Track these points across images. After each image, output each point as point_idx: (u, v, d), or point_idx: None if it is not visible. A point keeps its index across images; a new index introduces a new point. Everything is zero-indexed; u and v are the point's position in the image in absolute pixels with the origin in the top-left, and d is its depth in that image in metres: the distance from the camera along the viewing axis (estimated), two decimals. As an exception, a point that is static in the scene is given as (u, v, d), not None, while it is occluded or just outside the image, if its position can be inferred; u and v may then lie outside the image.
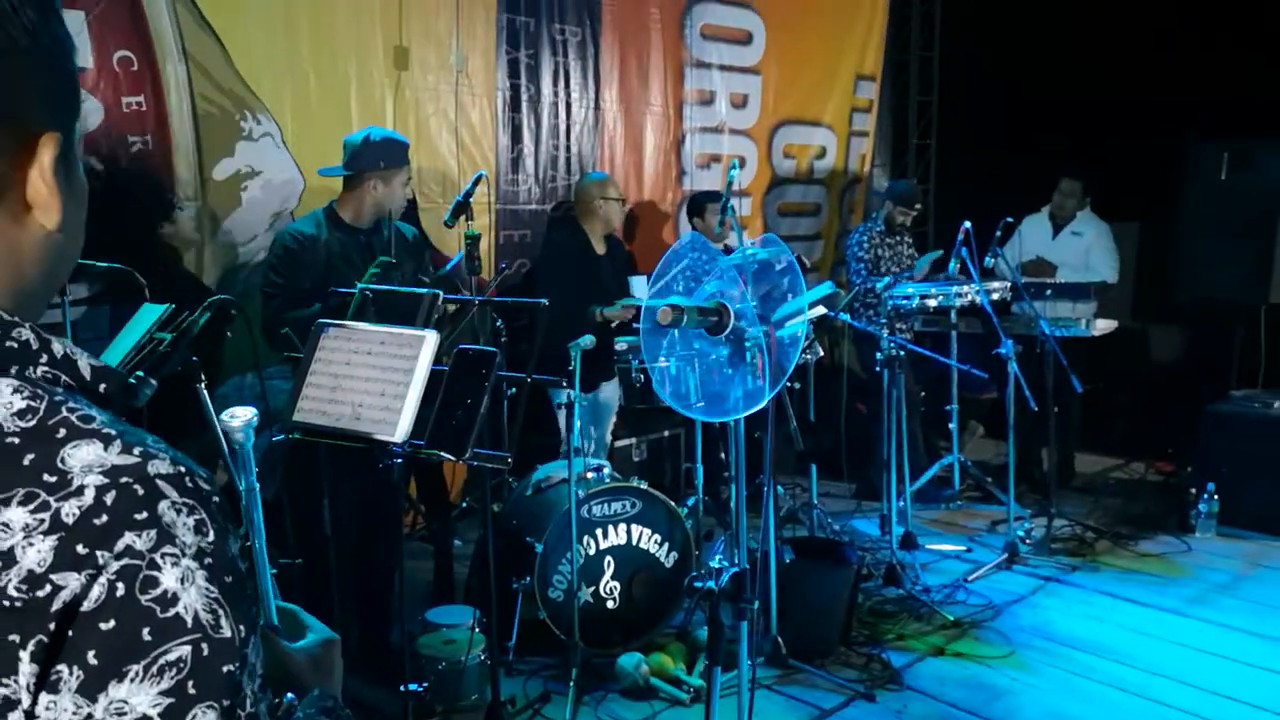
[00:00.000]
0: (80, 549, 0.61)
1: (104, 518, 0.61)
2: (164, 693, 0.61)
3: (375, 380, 1.51)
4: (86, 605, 0.60)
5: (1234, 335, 5.50)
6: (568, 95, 5.25)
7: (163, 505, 0.63)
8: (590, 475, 3.60)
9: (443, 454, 1.43)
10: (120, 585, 0.61)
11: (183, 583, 0.62)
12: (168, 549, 0.62)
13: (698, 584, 1.51)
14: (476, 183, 2.97)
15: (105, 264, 2.43)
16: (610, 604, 3.56)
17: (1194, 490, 4.87)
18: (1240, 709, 3.19)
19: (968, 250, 4.57)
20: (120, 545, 0.61)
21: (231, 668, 0.64)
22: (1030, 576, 4.32)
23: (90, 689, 0.60)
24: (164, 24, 3.79)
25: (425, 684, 3.02)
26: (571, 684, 3.19)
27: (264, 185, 4.13)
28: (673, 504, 3.68)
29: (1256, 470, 4.82)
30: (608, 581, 3.55)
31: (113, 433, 0.66)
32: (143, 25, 3.75)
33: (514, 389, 3.34)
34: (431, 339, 1.38)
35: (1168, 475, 5.66)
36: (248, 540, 0.94)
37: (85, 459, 0.63)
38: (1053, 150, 6.16)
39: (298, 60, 4.19)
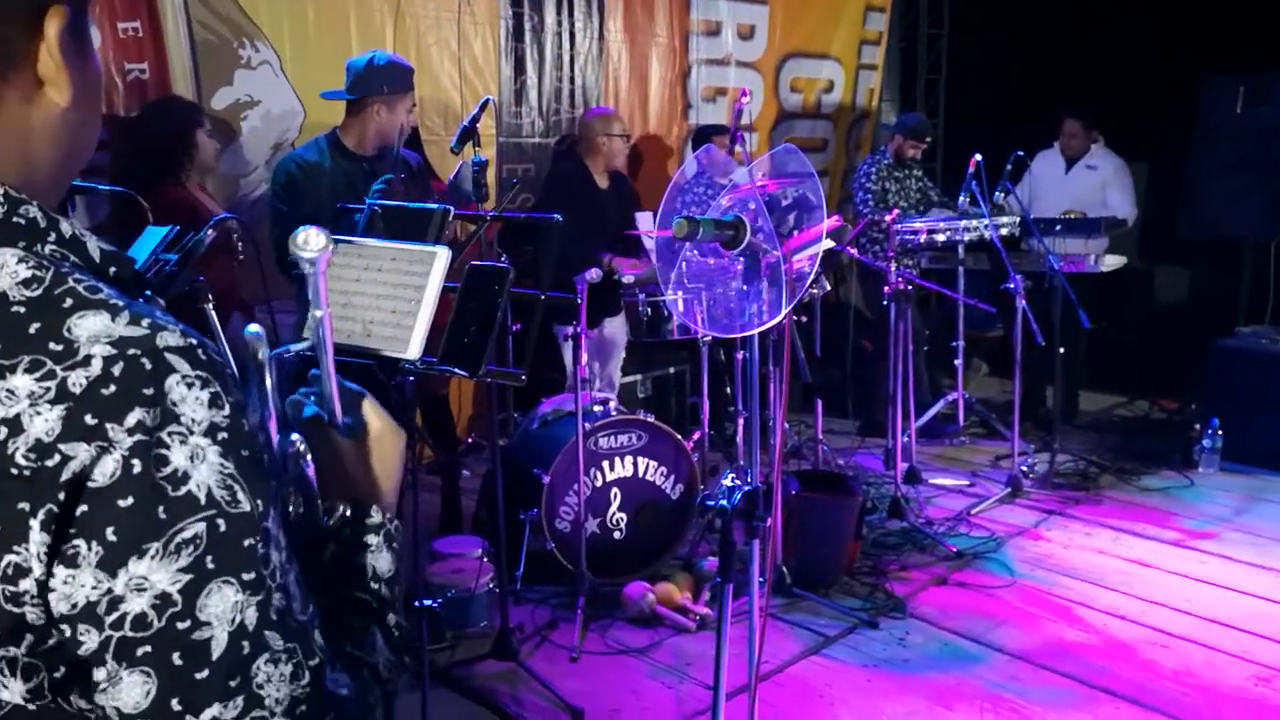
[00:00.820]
0: (89, 419, 0.60)
1: (111, 388, 0.61)
2: (183, 569, 0.61)
3: (386, 297, 1.50)
4: (101, 480, 0.60)
5: (1242, 272, 5.46)
6: (571, 25, 5.14)
7: (170, 380, 0.62)
8: (597, 408, 3.60)
9: (456, 370, 1.42)
10: (136, 462, 0.61)
11: (193, 460, 0.62)
12: (173, 427, 0.62)
13: (710, 503, 1.52)
14: (484, 108, 2.92)
15: (108, 188, 2.40)
16: (617, 535, 3.59)
17: (1198, 426, 4.88)
18: (1238, 635, 3.24)
19: (977, 184, 4.52)
20: (131, 420, 0.61)
21: (251, 541, 0.64)
22: (1033, 510, 4.35)
23: (110, 564, 0.60)
24: (158, -53, 3.70)
25: (439, 600, 3.06)
26: (579, 611, 3.23)
27: (264, 115, 4.07)
28: (679, 437, 3.70)
29: (1262, 405, 4.82)
30: (614, 513, 3.58)
31: (120, 304, 0.64)
32: (136, -52, 3.65)
33: (519, 325, 3.32)
34: (443, 254, 1.36)
35: (1172, 412, 5.67)
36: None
37: (92, 329, 0.62)
38: (1063, 85, 6.05)
39: (296, -14, 4.09)
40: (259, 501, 0.65)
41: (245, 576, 0.64)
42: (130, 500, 0.60)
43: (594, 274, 3.26)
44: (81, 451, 0.60)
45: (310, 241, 0.84)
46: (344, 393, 0.90)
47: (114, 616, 0.61)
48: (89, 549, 0.60)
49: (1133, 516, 4.28)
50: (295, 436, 0.84)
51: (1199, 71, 5.47)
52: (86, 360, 0.61)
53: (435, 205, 1.53)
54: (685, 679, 3.00)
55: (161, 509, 0.61)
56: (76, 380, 0.61)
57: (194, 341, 0.65)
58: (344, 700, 0.71)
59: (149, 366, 0.62)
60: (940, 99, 7.52)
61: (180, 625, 0.61)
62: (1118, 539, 4.06)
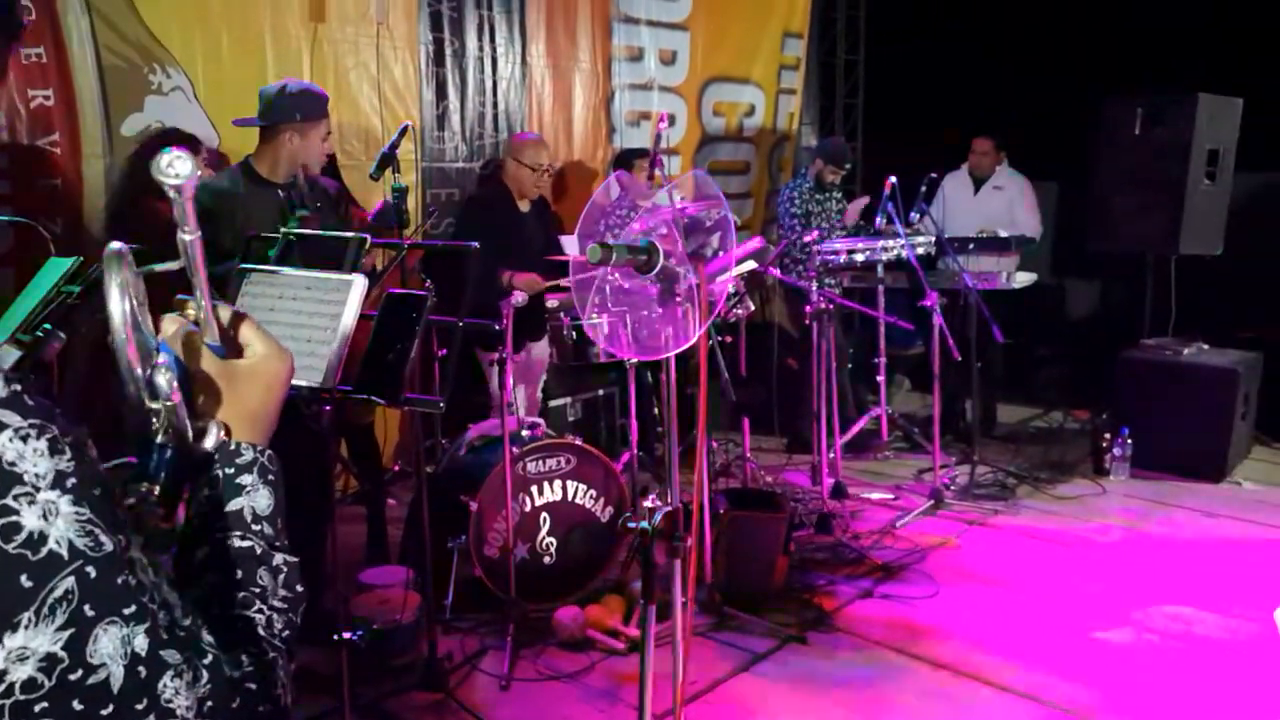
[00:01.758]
0: None
1: None
2: (61, 627, 0.60)
3: (301, 326, 1.48)
4: None
5: (1146, 286, 5.70)
6: (493, 50, 5.15)
7: (2, 439, 0.59)
8: (525, 433, 3.59)
9: (374, 398, 1.41)
10: None
11: (46, 517, 0.60)
12: (17, 489, 0.59)
13: (631, 524, 1.53)
14: (403, 134, 2.90)
15: (8, 218, 2.32)
16: (547, 559, 3.57)
17: (1108, 435, 5.07)
18: (1158, 630, 3.36)
19: (893, 205, 4.64)
20: None
21: (124, 576, 0.63)
22: (955, 521, 4.46)
23: None
24: (63, -28, 3.60)
25: (360, 632, 2.99)
26: (509, 638, 3.20)
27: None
28: (608, 459, 3.70)
29: (1167, 414, 5.03)
30: (544, 538, 3.56)
31: None
32: (39, -28, 3.55)
33: (445, 350, 3.29)
34: (359, 283, 1.35)
35: (1084, 422, 5.88)
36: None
37: None
38: (974, 108, 6.27)
39: (208, 11, 4.03)
40: (120, 537, 0.64)
41: (126, 611, 0.63)
42: None
43: (519, 298, 3.26)
44: None
45: (175, 166, 0.78)
46: (226, 315, 0.88)
47: (2, 688, 0.59)
48: None
49: (1049, 525, 4.42)
50: (162, 354, 0.80)
51: (1101, 95, 5.72)
52: None
53: (352, 234, 1.52)
54: (617, 702, 2.99)
55: (24, 577, 0.59)
56: None
57: (18, 388, 0.62)
58: (243, 678, 0.71)
59: None
60: (858, 121, 7.72)
61: (73, 676, 0.60)
62: (1036, 547, 4.18)
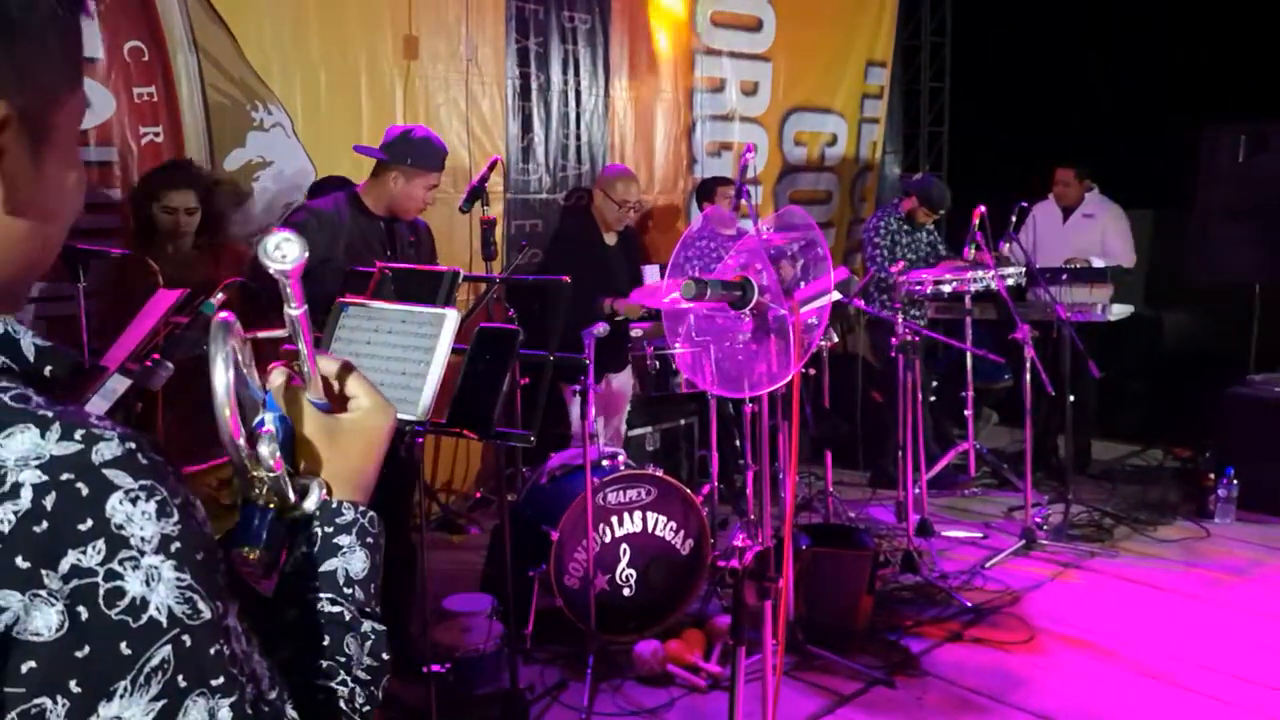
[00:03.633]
0: (20, 563, 0.56)
1: (44, 524, 0.56)
2: (155, 697, 0.59)
3: (396, 359, 1.50)
4: (46, 635, 0.56)
5: (1251, 318, 5.45)
6: (577, 83, 5.22)
7: (112, 501, 0.59)
8: (605, 463, 3.58)
9: (465, 433, 1.42)
10: (82, 610, 0.57)
11: (149, 583, 0.59)
12: (124, 553, 0.58)
13: (721, 563, 1.50)
14: (492, 167, 2.95)
15: (120, 252, 2.42)
16: (626, 591, 3.55)
17: (1212, 475, 4.83)
18: (1260, 692, 3.17)
19: (982, 235, 4.53)
20: (65, 566, 0.57)
21: (217, 646, 0.62)
22: (1048, 562, 4.29)
23: (80, 714, 0.57)
24: (174, 15, 3.79)
25: (448, 664, 3.01)
26: (588, 671, 3.18)
27: (275, 175, 4.13)
28: (688, 491, 3.67)
29: (1276, 454, 4.77)
30: (624, 569, 3.54)
31: (50, 415, 0.59)
32: (153, 15, 3.74)
33: (527, 380, 3.31)
34: (452, 316, 1.36)
35: (1185, 460, 5.62)
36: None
37: (19, 450, 0.57)
38: (1064, 136, 6.11)
39: (307, 50, 4.18)
40: (218, 604, 0.63)
41: (215, 682, 0.61)
42: (87, 650, 0.57)
43: (601, 329, 3.27)
44: (14, 601, 0.56)
45: (284, 249, 0.78)
46: (333, 368, 0.88)
47: None
48: (55, 705, 0.57)
49: (1150, 569, 4.21)
50: (267, 416, 0.80)
51: (1200, 121, 5.52)
52: (15, 490, 0.56)
53: (444, 268, 1.54)
54: (698, 741, 2.94)
55: (124, 645, 0.58)
56: (5, 515, 0.56)
57: (132, 446, 0.61)
58: None
59: (86, 492, 0.58)
60: (943, 150, 7.59)
61: None
62: (1135, 592, 3.99)
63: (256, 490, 0.80)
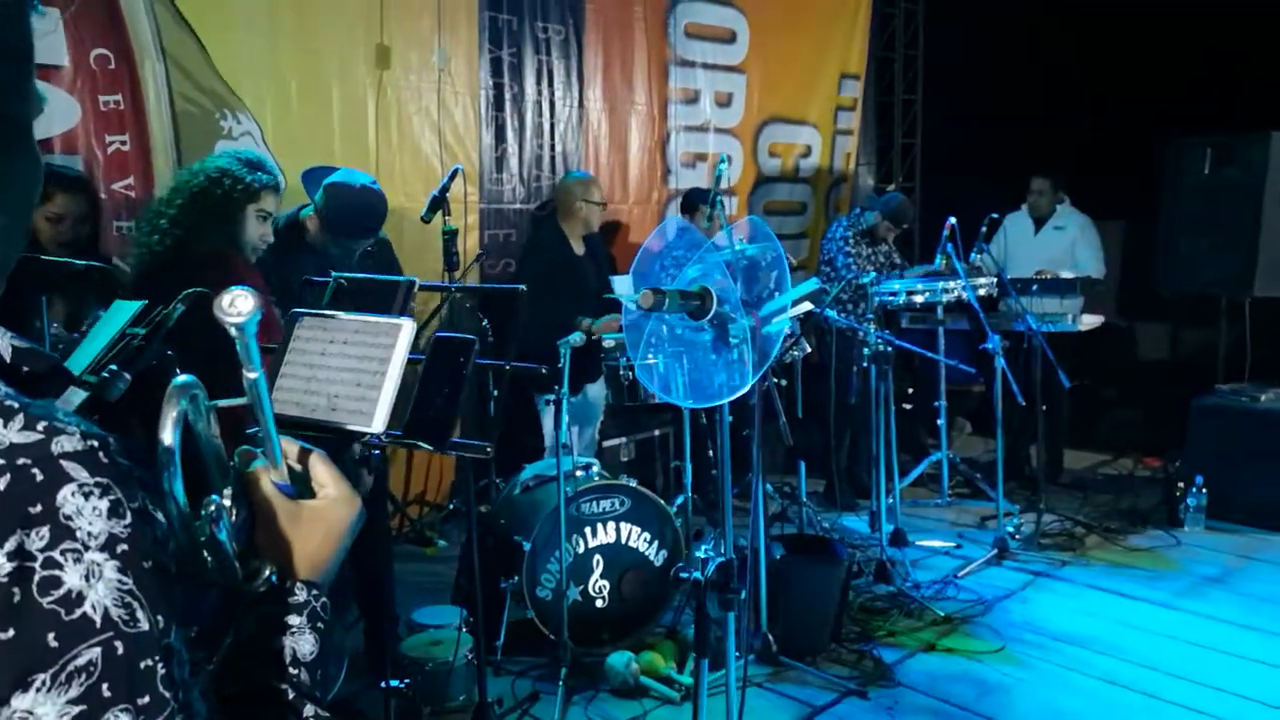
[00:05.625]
0: None
1: None
2: (73, 700, 0.57)
3: (351, 370, 1.48)
4: None
5: (1219, 329, 5.51)
6: (551, 94, 5.22)
7: (64, 492, 0.58)
8: (579, 473, 3.56)
9: (421, 444, 1.40)
10: (16, 590, 0.56)
11: (88, 579, 0.57)
12: (67, 544, 0.57)
13: (684, 574, 1.49)
14: (453, 177, 2.94)
15: (84, 262, 2.38)
16: (599, 603, 3.52)
17: (1182, 484, 4.87)
18: (1231, 700, 3.18)
19: (953, 245, 4.56)
20: (10, 545, 0.56)
21: (150, 661, 0.60)
22: (1020, 571, 4.30)
23: None
24: (142, 23, 3.75)
25: (407, 680, 2.98)
26: (560, 683, 3.15)
27: (245, 185, 4.08)
28: (662, 502, 3.65)
29: (1244, 463, 4.82)
30: (597, 580, 3.52)
31: (15, 406, 0.59)
32: (120, 24, 3.70)
33: (496, 392, 3.29)
34: (408, 326, 1.35)
35: (1155, 470, 5.67)
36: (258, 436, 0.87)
37: None
38: (1034, 147, 6.17)
39: (278, 59, 4.15)
40: (159, 617, 0.60)
41: (142, 700, 0.59)
42: (11, 632, 0.56)
43: (577, 338, 3.26)
44: None
45: (238, 305, 0.76)
46: (294, 450, 0.86)
47: None
48: None
49: (1121, 578, 4.24)
50: (214, 499, 0.79)
51: (1167, 134, 5.59)
52: None
53: (400, 278, 1.52)
54: (669, 754, 2.92)
55: (51, 636, 0.56)
56: None
57: (95, 444, 0.60)
58: None
59: (40, 478, 0.57)
60: (916, 161, 7.65)
61: None
62: (1106, 600, 4.01)
63: (204, 565, 0.78)
